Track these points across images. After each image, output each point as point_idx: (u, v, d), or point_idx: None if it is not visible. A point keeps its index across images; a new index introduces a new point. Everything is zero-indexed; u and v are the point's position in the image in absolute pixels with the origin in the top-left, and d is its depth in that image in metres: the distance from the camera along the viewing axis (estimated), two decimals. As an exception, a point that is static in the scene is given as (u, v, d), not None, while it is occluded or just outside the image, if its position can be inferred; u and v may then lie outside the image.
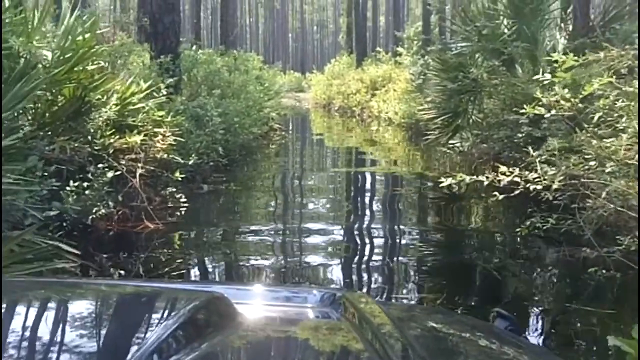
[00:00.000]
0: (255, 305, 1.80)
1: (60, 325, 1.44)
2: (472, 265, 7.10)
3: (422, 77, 17.83)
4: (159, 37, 12.96)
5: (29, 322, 1.45)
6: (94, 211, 7.47)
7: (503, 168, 5.33)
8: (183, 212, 8.98)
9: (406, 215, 10.13)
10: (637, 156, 5.20)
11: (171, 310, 1.54)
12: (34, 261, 5.12)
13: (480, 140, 12.52)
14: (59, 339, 1.34)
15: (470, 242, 8.49)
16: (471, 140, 12.64)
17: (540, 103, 5.33)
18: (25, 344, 1.33)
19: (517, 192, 5.29)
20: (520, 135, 10.33)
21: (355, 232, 8.74)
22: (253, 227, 8.97)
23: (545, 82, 6.71)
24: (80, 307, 1.65)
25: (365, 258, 7.50)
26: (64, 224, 7.09)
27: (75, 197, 7.27)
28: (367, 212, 10.35)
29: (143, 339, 1.30)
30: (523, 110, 5.66)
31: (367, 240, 8.37)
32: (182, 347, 1.31)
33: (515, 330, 2.01)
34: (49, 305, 1.65)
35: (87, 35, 8.02)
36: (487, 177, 5.30)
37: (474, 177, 5.35)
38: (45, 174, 6.85)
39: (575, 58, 5.43)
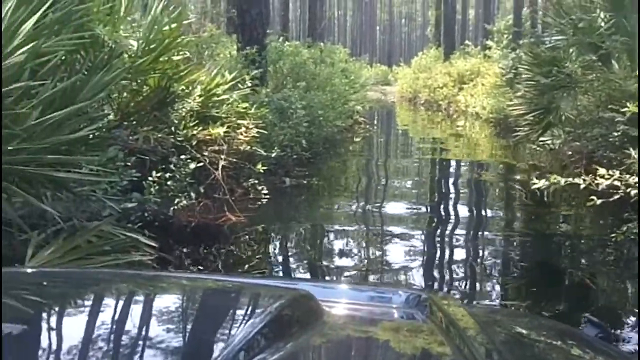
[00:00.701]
0: (341, 303, 1.77)
1: (145, 320, 1.44)
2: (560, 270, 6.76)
3: (513, 71, 17.29)
4: (246, 29, 12.92)
5: (111, 317, 1.45)
6: (175, 202, 7.42)
7: (602, 170, 4.98)
8: (264, 205, 8.89)
9: (493, 223, 9.66)
10: None
11: (258, 307, 1.55)
12: (111, 253, 5.09)
13: (572, 138, 12.01)
14: (142, 335, 1.34)
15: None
16: (563, 137, 12.15)
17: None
18: (108, 339, 1.32)
19: (616, 197, 4.94)
20: (615, 134, 9.83)
21: (438, 244, 8.23)
22: (334, 225, 8.83)
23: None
24: (164, 301, 1.64)
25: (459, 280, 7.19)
26: (145, 215, 7.06)
27: (157, 187, 7.25)
28: (451, 220, 9.85)
29: (230, 337, 1.29)
30: (625, 109, 5.28)
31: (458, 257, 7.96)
32: (269, 346, 1.29)
33: (606, 338, 1.90)
34: (131, 298, 1.66)
35: (173, 26, 7.98)
36: (584, 180, 4.96)
37: (570, 179, 5.02)
38: (128, 164, 6.85)
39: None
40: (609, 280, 6.59)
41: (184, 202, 7.51)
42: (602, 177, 4.90)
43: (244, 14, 12.99)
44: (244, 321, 1.41)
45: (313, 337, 1.45)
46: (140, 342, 1.31)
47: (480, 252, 7.80)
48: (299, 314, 1.52)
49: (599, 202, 4.88)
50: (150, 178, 7.23)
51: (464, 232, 8.42)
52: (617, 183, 4.88)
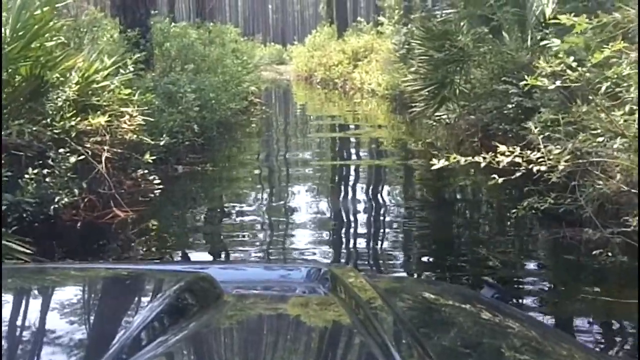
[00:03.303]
0: (241, 283, 1.79)
1: (44, 312, 1.43)
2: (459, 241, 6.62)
3: (406, 46, 17.25)
4: (128, 10, 12.27)
5: (10, 310, 1.43)
6: (56, 200, 6.89)
7: (502, 147, 4.79)
8: (156, 196, 8.45)
9: (393, 203, 9.42)
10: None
11: (156, 293, 1.54)
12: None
13: (467, 112, 12.02)
14: (43, 326, 1.33)
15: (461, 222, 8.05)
16: (458, 111, 12.13)
17: (542, 73, 4.78)
18: (9, 332, 1.31)
19: (518, 174, 4.76)
20: (510, 106, 9.82)
21: (339, 235, 7.70)
22: (232, 210, 8.51)
23: (536, 50, 6.26)
24: (65, 292, 1.64)
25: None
26: (24, 216, 6.52)
27: (34, 185, 6.70)
28: (349, 202, 9.48)
29: (128, 323, 1.29)
30: (524, 82, 5.11)
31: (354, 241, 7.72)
32: (168, 328, 1.29)
33: (502, 298, 2.14)
34: (32, 291, 1.64)
35: (45, 9, 7.39)
36: (483, 158, 4.75)
37: (470, 158, 4.80)
38: (2, 162, 6.28)
39: (588, 20, 4.87)
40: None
41: (66, 199, 6.97)
42: (503, 154, 4.72)
43: (125, -6, 12.35)
44: (143, 306, 1.41)
45: (213, 318, 1.44)
46: (39, 336, 1.31)
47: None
48: (198, 296, 1.51)
49: (500, 180, 4.70)
50: (26, 175, 6.68)
51: (362, 229, 8.13)
52: (518, 160, 4.71)
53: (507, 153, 4.74)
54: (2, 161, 6.14)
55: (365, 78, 24.63)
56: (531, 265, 6.38)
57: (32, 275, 1.82)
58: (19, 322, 1.37)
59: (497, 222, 8.03)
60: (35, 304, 1.55)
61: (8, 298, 1.54)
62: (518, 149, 4.77)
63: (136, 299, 1.60)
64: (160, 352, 1.21)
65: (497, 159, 4.71)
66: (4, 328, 1.30)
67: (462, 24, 11.42)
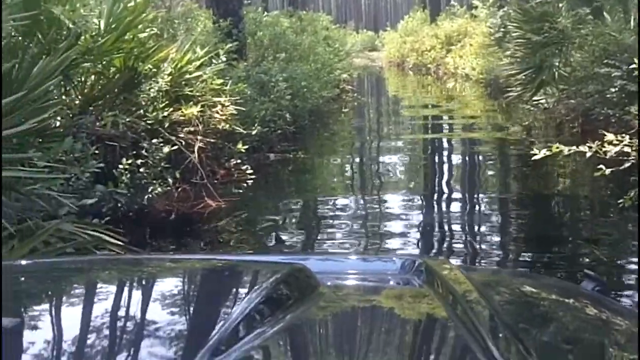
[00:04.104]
0: (336, 275, 1.77)
1: (142, 303, 1.45)
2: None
3: (502, 29, 16.77)
4: (221, 0, 12.34)
5: (109, 303, 1.47)
6: (149, 190, 6.95)
7: (610, 136, 4.49)
8: (249, 186, 8.43)
9: (487, 193, 9.09)
10: None
11: (253, 284, 1.56)
12: (72, 254, 4.62)
13: (567, 96, 11.58)
14: (141, 319, 1.35)
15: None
16: (557, 95, 11.70)
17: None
18: (107, 324, 1.32)
19: (627, 164, 4.45)
20: (613, 89, 9.37)
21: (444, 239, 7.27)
22: (326, 199, 8.39)
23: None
24: (162, 284, 1.66)
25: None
26: (118, 206, 6.59)
27: (129, 176, 6.77)
28: (444, 194, 9.17)
29: (226, 315, 1.30)
30: (631, 65, 4.80)
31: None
32: (266, 320, 1.30)
33: (603, 291, 1.86)
34: (127, 283, 1.67)
35: (138, 1, 7.45)
36: (589, 147, 4.47)
37: (574, 147, 4.53)
38: (96, 152, 6.35)
39: None
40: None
41: (159, 189, 7.03)
42: (611, 143, 4.43)
43: (218, -15, 12.40)
44: (241, 298, 1.41)
45: (310, 309, 1.44)
46: (140, 327, 1.32)
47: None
48: (295, 287, 1.51)
49: (608, 171, 4.40)
50: (120, 166, 6.75)
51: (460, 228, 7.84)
52: (627, 149, 4.41)
53: (615, 142, 4.45)
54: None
55: (459, 63, 24.17)
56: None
57: (128, 267, 1.87)
58: (115, 313, 1.39)
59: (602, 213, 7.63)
60: (133, 295, 1.59)
61: (105, 288, 1.63)
62: (627, 138, 4.47)
63: (233, 290, 1.61)
64: (257, 344, 1.22)
65: (604, 149, 4.43)
66: (104, 320, 1.34)
67: (560, 5, 10.98)
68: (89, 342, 1.25)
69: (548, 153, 4.46)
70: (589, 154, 4.50)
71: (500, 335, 1.33)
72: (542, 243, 6.50)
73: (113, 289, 1.62)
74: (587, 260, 5.92)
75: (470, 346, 1.24)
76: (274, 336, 1.27)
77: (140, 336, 1.29)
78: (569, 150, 4.51)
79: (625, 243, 6.29)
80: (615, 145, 4.43)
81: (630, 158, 4.45)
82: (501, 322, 1.38)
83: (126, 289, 1.63)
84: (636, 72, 6.75)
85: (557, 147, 4.42)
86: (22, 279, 1.66)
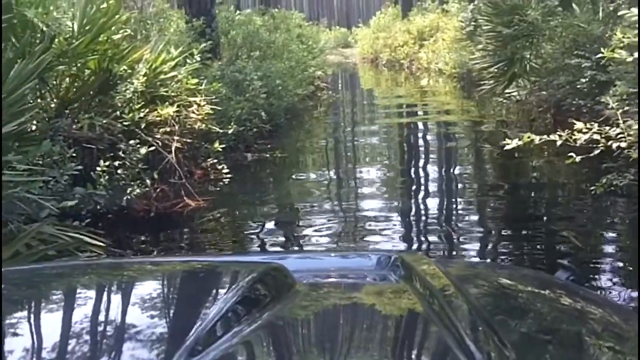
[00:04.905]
0: (313, 272, 1.79)
1: (120, 307, 1.46)
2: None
3: (473, 23, 16.90)
4: (193, 0, 12.35)
5: (87, 307, 1.50)
6: (128, 192, 6.97)
7: (579, 124, 4.60)
8: (226, 185, 8.46)
9: (467, 184, 9.25)
10: None
11: (230, 284, 1.57)
12: (54, 258, 4.65)
13: (538, 88, 11.74)
14: (119, 321, 1.36)
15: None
16: (529, 88, 11.85)
17: (620, 45, 4.58)
18: (84, 327, 1.34)
19: (597, 152, 4.56)
20: (583, 80, 9.52)
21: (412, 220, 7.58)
22: (303, 196, 8.46)
23: (609, 21, 6.02)
24: (139, 287, 1.67)
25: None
26: (98, 208, 6.61)
27: (107, 178, 6.79)
28: (420, 186, 9.43)
29: (204, 315, 1.30)
30: (599, 55, 4.91)
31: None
32: (243, 319, 1.31)
33: (577, 281, 1.94)
34: (106, 287, 1.68)
35: (111, 2, 7.47)
36: (559, 136, 4.58)
37: (545, 136, 4.63)
38: (74, 155, 6.37)
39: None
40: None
41: (138, 190, 7.04)
42: (580, 131, 4.53)
43: (189, -15, 12.41)
44: (218, 299, 1.43)
45: (287, 307, 1.45)
46: (118, 330, 1.33)
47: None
48: (272, 286, 1.53)
49: (578, 159, 4.51)
50: (98, 168, 6.77)
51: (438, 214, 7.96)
52: (596, 137, 4.52)
53: (584, 130, 4.56)
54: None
55: (432, 58, 24.29)
56: (609, 249, 6.15)
57: (106, 271, 1.88)
58: (93, 317, 1.40)
59: (574, 201, 7.78)
60: (111, 299, 1.60)
61: (83, 293, 1.64)
62: (596, 126, 4.58)
63: (211, 291, 1.61)
64: (235, 343, 1.23)
65: (574, 137, 4.53)
66: (82, 323, 1.37)
67: (530, -3, 11.12)
68: (66, 344, 1.27)
69: (520, 143, 4.57)
70: (559, 143, 4.61)
71: (477, 328, 1.34)
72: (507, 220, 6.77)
73: (91, 293, 1.64)
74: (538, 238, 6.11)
75: (447, 341, 1.25)
76: (251, 334, 1.29)
77: (118, 339, 1.31)
78: (540, 139, 4.61)
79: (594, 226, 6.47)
80: (584, 133, 4.54)
81: (599, 145, 4.57)
82: (478, 315, 1.39)
83: (104, 293, 1.64)
84: (605, 62, 6.88)
85: (529, 137, 4.52)
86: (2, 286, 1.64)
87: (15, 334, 1.32)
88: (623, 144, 4.56)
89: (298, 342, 1.39)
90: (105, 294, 1.63)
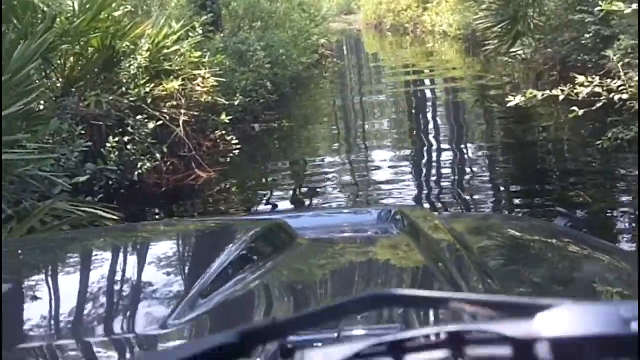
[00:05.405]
0: (315, 228, 1.86)
1: (130, 266, 1.54)
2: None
3: (475, -18, 16.77)
4: (193, -27, 12.29)
5: (100, 265, 1.59)
6: (138, 166, 7.04)
7: (580, 78, 4.62)
8: (236, 155, 8.52)
9: (474, 140, 9.29)
10: None
11: (233, 239, 1.62)
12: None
13: (543, 45, 11.68)
14: (130, 278, 1.43)
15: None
16: (534, 45, 11.79)
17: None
18: (96, 283, 1.40)
19: (599, 104, 4.58)
20: (587, 35, 9.48)
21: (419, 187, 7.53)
22: (314, 162, 8.52)
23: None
24: (150, 246, 1.73)
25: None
26: (110, 183, 6.70)
27: (117, 153, 6.86)
28: (432, 145, 9.51)
29: (209, 267, 1.34)
30: (598, 8, 4.91)
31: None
32: (246, 269, 1.37)
33: (576, 226, 1.97)
34: (116, 248, 1.75)
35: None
36: (561, 91, 4.60)
37: (547, 92, 4.65)
38: (82, 132, 6.44)
39: None
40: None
41: (148, 164, 7.13)
42: (582, 85, 4.55)
43: (189, -43, 12.34)
44: (223, 252, 1.46)
45: (287, 257, 1.51)
46: (129, 286, 1.39)
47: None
48: (273, 240, 1.60)
49: (580, 112, 4.54)
50: (107, 144, 6.84)
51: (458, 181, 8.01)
52: (598, 89, 4.54)
53: (585, 83, 4.58)
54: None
55: (436, 20, 24.13)
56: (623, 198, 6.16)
57: (114, 233, 2.00)
58: (103, 274, 1.48)
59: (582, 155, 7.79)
60: (120, 259, 1.67)
61: (96, 254, 1.74)
62: (597, 79, 4.59)
63: (216, 246, 1.67)
64: (238, 288, 1.29)
65: (575, 90, 4.55)
66: (94, 280, 1.44)
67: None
68: (84, 293, 1.35)
69: (523, 99, 4.59)
70: (561, 97, 4.63)
71: (467, 266, 1.38)
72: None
73: (103, 253, 1.73)
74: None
75: (435, 273, 1.34)
76: (254, 281, 1.35)
77: (128, 295, 1.37)
78: (542, 94, 4.64)
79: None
80: (586, 87, 4.56)
81: (601, 98, 4.58)
82: (471, 260, 1.43)
83: (114, 254, 1.71)
84: (607, 16, 6.86)
85: (531, 93, 4.55)
86: (19, 251, 1.74)
87: (32, 293, 1.38)
88: (624, 96, 4.58)
89: (299, 288, 1.44)
90: (115, 254, 1.71)
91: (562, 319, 0.64)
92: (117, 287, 1.41)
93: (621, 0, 4.60)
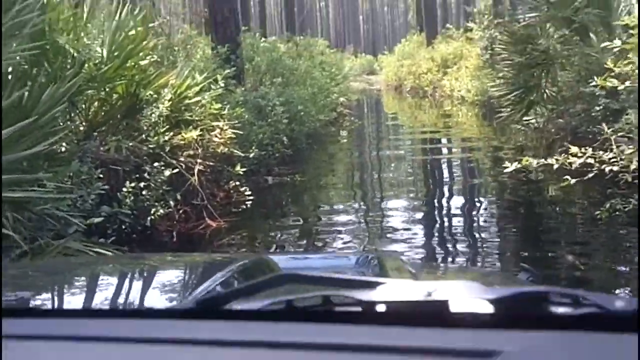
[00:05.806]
0: (297, 268, 2.04)
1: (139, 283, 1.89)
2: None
3: (490, 51, 17.14)
4: (219, 27, 12.72)
5: (112, 287, 1.83)
6: (152, 212, 7.26)
7: (574, 149, 4.84)
8: (248, 207, 8.72)
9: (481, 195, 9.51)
10: None
11: (224, 268, 1.80)
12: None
13: (556, 115, 11.88)
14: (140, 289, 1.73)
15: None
16: (546, 115, 12.02)
17: (612, 74, 4.81)
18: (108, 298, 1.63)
19: (590, 175, 4.79)
20: (597, 108, 9.71)
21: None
22: (322, 219, 8.69)
23: (617, 51, 6.22)
24: (157, 273, 2.00)
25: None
26: (122, 227, 6.92)
27: (132, 198, 7.09)
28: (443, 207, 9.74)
29: (207, 282, 1.59)
30: (595, 83, 5.14)
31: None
32: (232, 287, 1.56)
33: (536, 281, 2.11)
34: (126, 272, 2.01)
35: (139, 29, 7.82)
36: (556, 160, 4.82)
37: (542, 160, 4.87)
38: (101, 175, 6.69)
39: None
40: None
41: (161, 210, 7.34)
42: (575, 155, 4.77)
43: (216, 12, 12.81)
44: (211, 275, 1.71)
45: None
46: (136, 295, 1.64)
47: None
48: (258, 271, 1.82)
49: (573, 181, 4.75)
50: (124, 189, 7.08)
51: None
52: (590, 161, 4.75)
53: (579, 154, 4.80)
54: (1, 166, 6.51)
55: (455, 85, 24.48)
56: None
57: (128, 261, 2.37)
58: (115, 287, 1.77)
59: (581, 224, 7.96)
60: (132, 282, 1.95)
61: (108, 277, 2.01)
62: (590, 150, 4.81)
63: (208, 273, 1.90)
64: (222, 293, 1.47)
65: (569, 160, 4.77)
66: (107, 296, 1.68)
67: (546, 27, 11.33)
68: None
69: (518, 166, 4.81)
70: (556, 166, 4.85)
71: None
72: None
73: (117, 275, 2.00)
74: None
75: None
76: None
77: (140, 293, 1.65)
78: (537, 163, 4.86)
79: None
80: (579, 157, 4.78)
81: (593, 169, 4.80)
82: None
83: (125, 277, 1.97)
84: (616, 90, 7.06)
85: (527, 160, 4.77)
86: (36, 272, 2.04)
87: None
88: (615, 168, 4.79)
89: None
90: (126, 276, 1.97)
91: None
92: (127, 291, 1.70)
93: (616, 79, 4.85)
